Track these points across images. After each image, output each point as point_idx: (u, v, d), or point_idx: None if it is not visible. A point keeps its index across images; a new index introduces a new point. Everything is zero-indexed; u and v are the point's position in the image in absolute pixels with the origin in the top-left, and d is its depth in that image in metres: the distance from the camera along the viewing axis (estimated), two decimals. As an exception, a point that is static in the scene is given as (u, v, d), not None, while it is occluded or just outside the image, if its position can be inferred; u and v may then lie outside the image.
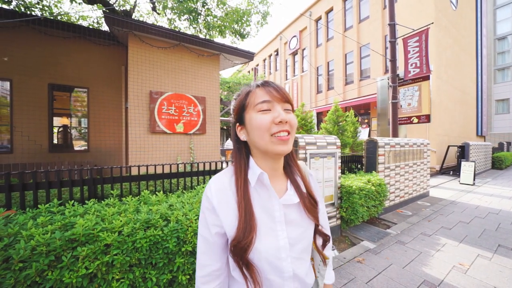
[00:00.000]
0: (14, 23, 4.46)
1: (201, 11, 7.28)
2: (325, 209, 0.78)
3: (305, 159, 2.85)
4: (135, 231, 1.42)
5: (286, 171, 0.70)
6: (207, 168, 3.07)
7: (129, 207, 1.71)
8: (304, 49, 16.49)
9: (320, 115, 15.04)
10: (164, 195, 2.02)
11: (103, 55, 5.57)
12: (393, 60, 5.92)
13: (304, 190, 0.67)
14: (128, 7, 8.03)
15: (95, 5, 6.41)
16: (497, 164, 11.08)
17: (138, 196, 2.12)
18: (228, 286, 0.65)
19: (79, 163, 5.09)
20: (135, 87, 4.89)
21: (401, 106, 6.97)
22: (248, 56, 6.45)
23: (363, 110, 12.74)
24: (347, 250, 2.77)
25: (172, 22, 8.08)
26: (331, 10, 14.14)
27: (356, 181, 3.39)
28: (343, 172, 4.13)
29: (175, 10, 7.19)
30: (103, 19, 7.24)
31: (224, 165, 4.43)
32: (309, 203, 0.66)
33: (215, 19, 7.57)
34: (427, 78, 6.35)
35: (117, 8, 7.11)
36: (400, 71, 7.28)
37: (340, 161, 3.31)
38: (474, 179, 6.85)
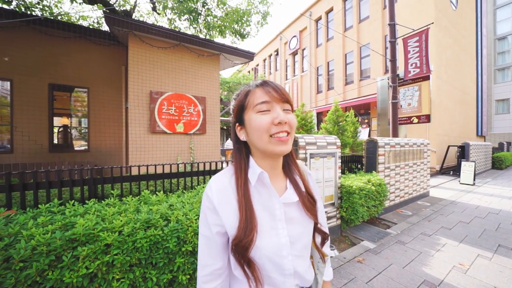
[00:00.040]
0: (15, 23, 4.47)
1: (201, 11, 7.28)
2: (323, 208, 0.79)
3: (305, 159, 2.85)
4: (135, 231, 1.43)
5: (286, 170, 0.70)
6: (207, 168, 3.07)
7: (130, 207, 1.72)
8: (304, 49, 16.49)
9: (320, 115, 15.04)
10: (164, 195, 2.02)
11: (103, 55, 5.57)
12: (393, 60, 5.92)
13: (303, 189, 0.68)
14: (128, 7, 8.04)
15: (96, 5, 6.41)
16: (497, 164, 11.08)
17: (138, 196, 2.12)
18: (230, 285, 0.65)
19: (79, 163, 5.09)
20: (135, 87, 4.89)
21: (401, 106, 6.97)
22: (248, 56, 6.46)
23: (363, 110, 12.74)
24: (347, 250, 2.77)
25: (172, 22, 8.09)
26: (331, 10, 14.14)
27: (356, 181, 3.39)
28: (343, 172, 4.13)
29: (175, 10, 7.19)
30: (103, 19, 7.25)
31: (224, 165, 4.43)
32: (308, 201, 0.67)
33: (215, 19, 7.57)
34: (427, 78, 6.35)
35: (117, 8, 7.11)
36: (400, 71, 7.28)
37: (340, 161, 3.31)
38: (474, 179, 6.85)
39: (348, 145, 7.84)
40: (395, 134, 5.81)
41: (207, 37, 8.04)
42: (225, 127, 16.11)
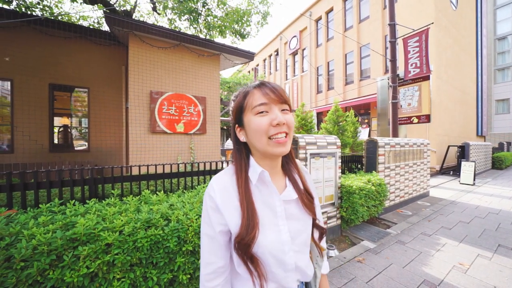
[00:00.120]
0: (15, 23, 4.47)
1: (202, 11, 7.28)
2: (319, 204, 0.82)
3: (305, 159, 2.86)
4: (136, 231, 1.43)
5: (285, 169, 0.72)
6: (207, 168, 3.08)
7: (130, 206, 1.72)
8: (304, 49, 16.49)
9: (320, 115, 15.05)
10: (164, 195, 2.02)
11: (103, 55, 5.58)
12: (393, 60, 5.93)
13: (301, 186, 0.70)
14: (128, 7, 8.03)
15: (96, 5, 6.41)
16: (497, 164, 11.08)
17: (139, 196, 2.12)
18: (231, 284, 0.67)
19: (79, 163, 5.09)
20: (135, 87, 4.89)
21: (401, 106, 6.97)
22: (248, 56, 6.46)
23: (363, 110, 12.74)
24: (347, 250, 2.77)
25: (172, 22, 8.09)
26: (331, 10, 14.14)
27: (356, 181, 3.39)
28: (343, 172, 4.13)
29: (176, 10, 7.20)
30: (103, 19, 7.26)
31: (225, 165, 4.43)
32: (307, 198, 0.69)
33: (216, 19, 7.57)
34: (427, 78, 6.35)
35: (117, 8, 7.11)
36: (400, 71, 7.29)
37: (340, 161, 3.31)
38: (474, 179, 6.85)
39: (348, 145, 7.84)
40: (395, 134, 5.82)
41: (207, 37, 8.04)
42: (225, 127, 16.11)
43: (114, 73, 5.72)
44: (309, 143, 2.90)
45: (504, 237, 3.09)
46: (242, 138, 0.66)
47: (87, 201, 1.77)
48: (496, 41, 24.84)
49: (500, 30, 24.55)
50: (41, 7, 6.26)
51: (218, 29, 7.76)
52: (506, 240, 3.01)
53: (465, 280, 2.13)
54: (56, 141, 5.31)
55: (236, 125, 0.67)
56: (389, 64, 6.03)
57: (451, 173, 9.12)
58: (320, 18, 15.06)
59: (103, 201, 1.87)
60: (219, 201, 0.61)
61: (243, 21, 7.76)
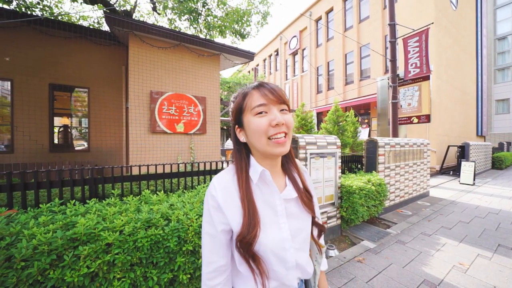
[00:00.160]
0: (15, 23, 4.47)
1: (202, 11, 7.28)
2: (317, 202, 0.84)
3: (305, 159, 2.86)
4: (136, 231, 1.43)
5: (284, 168, 0.73)
6: (207, 168, 3.08)
7: (130, 206, 1.72)
8: (304, 49, 16.49)
9: (320, 115, 15.05)
10: (164, 195, 2.02)
11: (103, 55, 5.58)
12: (393, 60, 5.93)
13: (301, 185, 0.72)
14: (128, 7, 8.04)
15: (96, 5, 6.41)
16: (497, 164, 11.08)
17: (139, 196, 2.13)
18: (232, 282, 0.67)
19: (79, 163, 5.09)
20: (135, 87, 4.89)
21: (401, 106, 6.97)
22: (248, 56, 6.46)
23: (363, 110, 12.74)
24: (347, 249, 2.77)
25: (172, 22, 8.09)
26: (331, 10, 14.14)
27: (356, 181, 3.40)
28: (343, 172, 4.13)
29: (176, 10, 7.20)
30: (103, 19, 7.27)
31: (225, 165, 4.43)
32: (306, 197, 0.70)
33: (216, 19, 7.57)
34: (427, 78, 6.35)
35: (117, 8, 7.11)
36: (400, 71, 7.29)
37: (340, 161, 3.31)
38: (474, 179, 6.85)
39: (348, 145, 7.84)
40: (395, 134, 5.82)
41: (207, 37, 8.04)
42: (225, 127, 16.11)
43: (114, 73, 5.72)
44: (309, 143, 2.90)
45: (504, 237, 3.09)
46: (242, 138, 0.67)
47: (87, 201, 1.77)
48: (496, 41, 24.84)
49: (500, 30, 24.56)
50: (41, 7, 6.26)
51: (218, 29, 7.77)
52: (506, 240, 3.01)
53: (465, 280, 2.14)
54: (56, 141, 5.31)
55: (236, 126, 0.68)
56: (389, 64, 6.03)
57: (451, 173, 9.12)
58: (320, 18, 15.06)
59: (103, 201, 1.87)
60: (221, 200, 0.62)
61: (243, 21, 7.76)
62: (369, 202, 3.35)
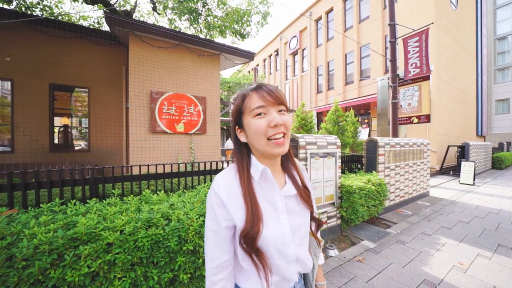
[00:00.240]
0: (15, 23, 4.47)
1: (202, 11, 7.29)
2: (318, 202, 0.87)
3: (305, 159, 2.86)
4: (136, 230, 1.43)
5: (284, 166, 0.76)
6: (207, 168, 3.08)
7: (131, 206, 1.72)
8: (304, 49, 16.49)
9: (320, 115, 15.05)
10: (165, 195, 2.03)
11: (103, 55, 5.58)
12: (393, 60, 5.93)
13: (299, 183, 0.75)
14: (128, 7, 8.04)
15: (96, 5, 6.42)
16: (497, 164, 11.08)
17: (139, 196, 2.13)
18: (235, 277, 0.69)
19: (80, 163, 5.10)
20: (135, 87, 4.90)
21: (401, 106, 6.97)
22: (248, 56, 6.46)
23: (363, 110, 12.75)
24: (347, 249, 2.77)
25: (172, 22, 8.09)
26: (331, 10, 14.15)
27: (356, 180, 3.40)
28: (343, 172, 4.13)
29: (176, 10, 7.20)
30: (103, 19, 7.27)
31: (225, 164, 4.44)
32: (305, 193, 0.73)
33: (216, 19, 7.58)
34: (427, 78, 6.35)
35: (117, 8, 7.11)
36: (400, 71, 7.29)
37: (340, 160, 3.32)
38: (474, 179, 6.86)
39: (348, 145, 7.85)
40: (395, 134, 5.82)
41: (208, 37, 8.05)
42: (225, 127, 16.12)
43: (114, 73, 5.73)
44: (309, 143, 2.90)
45: (504, 237, 3.09)
46: (242, 139, 0.70)
47: (88, 200, 1.78)
48: (496, 41, 24.84)
49: (500, 30, 24.55)
50: (41, 7, 6.26)
51: (218, 29, 7.77)
52: (506, 239, 3.01)
53: (465, 280, 2.14)
54: (56, 141, 5.32)
55: (237, 127, 0.71)
56: (389, 64, 6.03)
57: (451, 173, 9.13)
58: (320, 18, 15.07)
59: (103, 200, 1.87)
60: (224, 198, 0.63)
61: (243, 21, 7.77)
62: (369, 202, 3.35)
